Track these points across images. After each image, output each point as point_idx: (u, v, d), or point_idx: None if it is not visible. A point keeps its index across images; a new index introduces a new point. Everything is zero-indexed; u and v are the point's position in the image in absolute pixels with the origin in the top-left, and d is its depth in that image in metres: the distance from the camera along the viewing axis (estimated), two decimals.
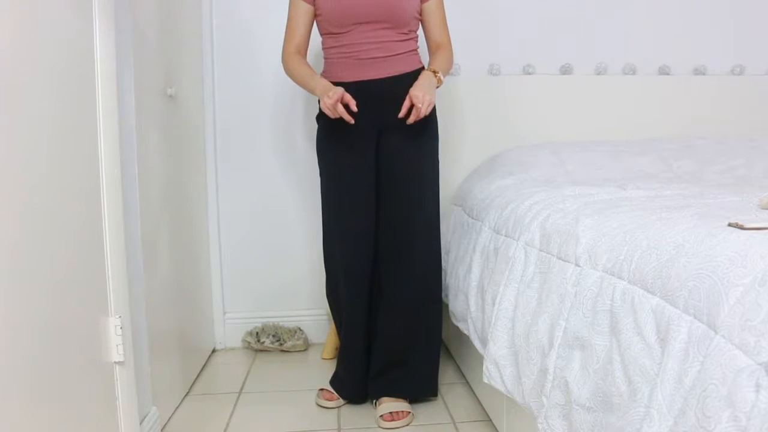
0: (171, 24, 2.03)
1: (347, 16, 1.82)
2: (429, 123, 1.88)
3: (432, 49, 1.95)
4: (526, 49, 2.58)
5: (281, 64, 1.95)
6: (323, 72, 1.93)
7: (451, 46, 1.95)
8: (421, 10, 1.91)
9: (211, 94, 2.51)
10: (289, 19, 1.91)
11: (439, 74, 1.84)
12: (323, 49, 1.93)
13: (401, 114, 1.77)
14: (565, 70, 2.59)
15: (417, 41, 1.93)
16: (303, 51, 1.93)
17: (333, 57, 1.89)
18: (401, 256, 1.90)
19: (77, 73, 1.31)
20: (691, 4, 2.63)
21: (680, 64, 2.65)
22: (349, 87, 1.85)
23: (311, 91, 1.86)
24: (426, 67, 1.91)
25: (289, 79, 1.94)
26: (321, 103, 1.79)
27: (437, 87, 1.84)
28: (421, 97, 1.74)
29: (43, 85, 1.16)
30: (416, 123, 1.78)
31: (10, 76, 1.04)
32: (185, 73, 2.20)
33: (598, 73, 2.61)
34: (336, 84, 1.87)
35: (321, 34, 1.92)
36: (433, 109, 1.88)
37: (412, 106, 1.76)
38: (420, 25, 1.94)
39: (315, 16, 1.91)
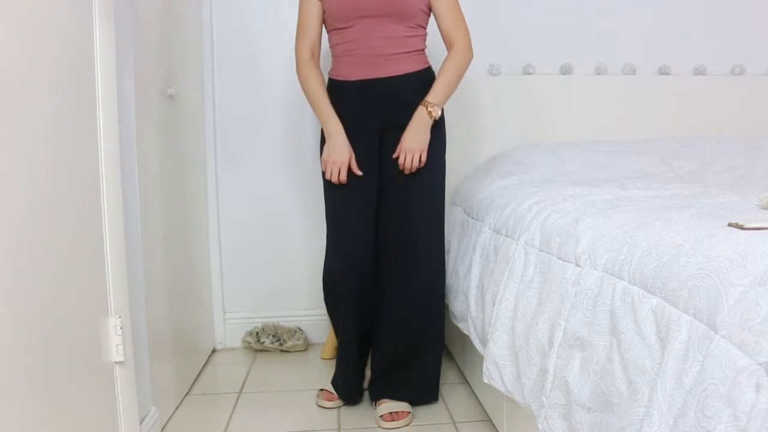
0: (171, 24, 2.03)
1: (351, 10, 1.81)
2: (436, 123, 1.85)
3: (447, 46, 1.89)
4: (526, 49, 2.58)
5: (293, 66, 1.92)
6: (331, 70, 1.93)
7: (464, 41, 1.86)
8: (429, 2, 1.85)
9: (211, 94, 2.50)
10: (299, 19, 1.89)
11: (433, 109, 1.80)
12: (330, 46, 1.92)
13: (395, 156, 1.83)
14: (565, 70, 2.59)
15: (425, 40, 1.90)
16: (317, 52, 1.91)
17: (338, 54, 1.89)
18: (404, 256, 1.89)
19: (77, 73, 1.31)
20: (691, 4, 2.63)
21: (680, 64, 2.65)
22: (353, 85, 1.85)
23: (319, 118, 1.87)
24: (430, 64, 1.90)
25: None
26: (324, 152, 1.84)
27: (435, 119, 1.81)
28: (409, 160, 1.81)
29: (43, 85, 1.16)
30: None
31: (10, 76, 1.04)
32: (185, 73, 2.20)
33: (598, 73, 2.61)
34: (341, 83, 1.87)
35: (327, 31, 1.91)
36: (441, 109, 1.85)
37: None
38: (431, 19, 1.90)
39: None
